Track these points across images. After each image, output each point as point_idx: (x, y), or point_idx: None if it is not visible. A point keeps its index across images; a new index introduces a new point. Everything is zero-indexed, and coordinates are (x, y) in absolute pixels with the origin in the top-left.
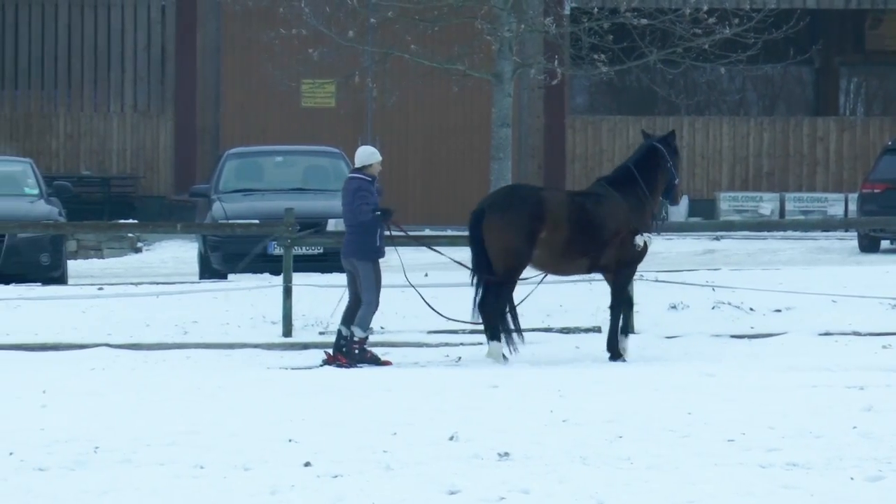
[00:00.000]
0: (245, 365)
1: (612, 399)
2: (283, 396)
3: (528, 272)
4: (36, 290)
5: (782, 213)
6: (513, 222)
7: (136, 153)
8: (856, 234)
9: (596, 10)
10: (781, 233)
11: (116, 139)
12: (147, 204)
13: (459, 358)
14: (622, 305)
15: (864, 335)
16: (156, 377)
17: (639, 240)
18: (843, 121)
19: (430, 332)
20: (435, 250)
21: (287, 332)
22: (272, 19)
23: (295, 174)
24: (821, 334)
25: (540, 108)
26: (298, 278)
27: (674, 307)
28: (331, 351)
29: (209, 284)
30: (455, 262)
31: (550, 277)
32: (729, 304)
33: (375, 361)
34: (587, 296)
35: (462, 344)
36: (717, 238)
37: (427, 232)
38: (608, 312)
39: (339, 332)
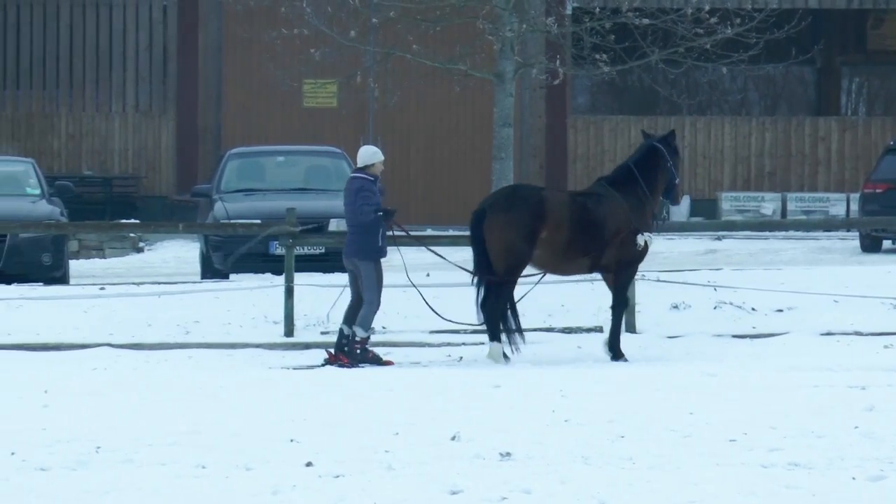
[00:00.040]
0: (247, 365)
1: (614, 399)
2: (284, 396)
3: (529, 271)
4: (38, 290)
5: (784, 213)
6: (514, 222)
7: (137, 153)
8: (857, 234)
9: (598, 9)
10: (783, 233)
11: (118, 139)
12: (149, 204)
13: (461, 357)
14: (623, 305)
15: (866, 335)
16: (157, 377)
17: (640, 240)
18: (844, 121)
19: (431, 332)
20: (433, 251)
21: (289, 331)
22: (274, 19)
23: (297, 174)
24: (822, 334)
25: (542, 108)
26: (300, 278)
27: (675, 307)
28: (332, 350)
29: (211, 284)
30: (451, 263)
31: (552, 277)
32: (731, 304)
33: (377, 361)
34: (589, 296)
35: (464, 344)
36: (718, 238)
37: (429, 232)
38: (609, 312)
39: (341, 331)
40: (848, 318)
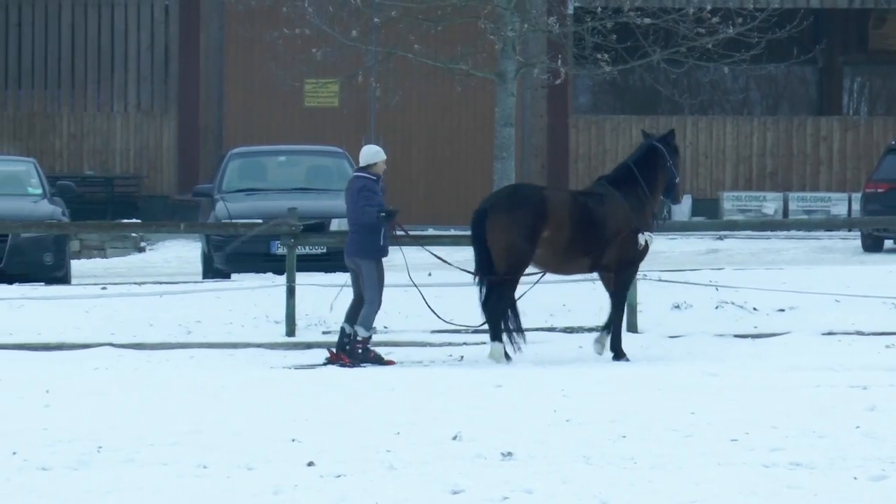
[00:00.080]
0: (248, 364)
1: (616, 399)
2: (286, 396)
3: (529, 270)
4: (39, 289)
5: (786, 212)
6: (516, 221)
7: (139, 153)
8: (859, 233)
9: (599, 9)
10: (785, 232)
11: (120, 139)
12: (150, 204)
13: (461, 357)
14: (624, 305)
15: (868, 335)
16: (159, 377)
17: (640, 239)
18: (846, 120)
19: (433, 332)
20: (433, 253)
21: (290, 331)
22: (275, 19)
23: (298, 174)
24: (824, 334)
25: (543, 107)
26: (302, 278)
27: (677, 307)
28: (334, 349)
29: (212, 284)
30: (449, 264)
31: (554, 277)
32: (732, 303)
33: (379, 361)
34: (590, 295)
35: (465, 343)
36: (720, 238)
37: (431, 231)
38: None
39: (343, 329)
40: (849, 318)
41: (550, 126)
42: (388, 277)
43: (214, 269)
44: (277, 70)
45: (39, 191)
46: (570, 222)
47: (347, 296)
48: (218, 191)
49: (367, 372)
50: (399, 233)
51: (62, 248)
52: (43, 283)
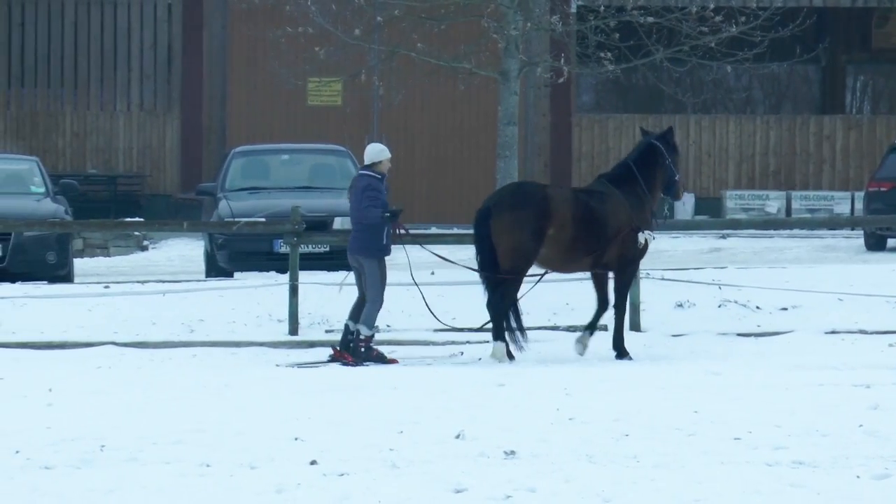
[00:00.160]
0: (251, 363)
1: (619, 397)
2: (289, 395)
3: (532, 269)
4: (42, 288)
5: (788, 211)
6: (521, 220)
7: (142, 151)
8: (862, 232)
9: (602, 8)
10: (788, 231)
11: (123, 137)
12: (153, 202)
13: (461, 353)
14: (626, 304)
15: (871, 333)
16: (162, 375)
17: (640, 238)
18: (849, 119)
19: (436, 331)
20: (435, 253)
21: (293, 330)
22: (279, 18)
23: (301, 172)
24: (827, 333)
25: (546, 106)
26: (305, 276)
27: (680, 305)
28: (338, 346)
29: (215, 283)
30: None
31: (557, 276)
32: (735, 302)
33: (381, 359)
34: (593, 294)
35: (468, 342)
36: (723, 236)
37: (433, 230)
38: (612, 311)
39: (346, 326)
40: (853, 317)
41: (553, 125)
42: (391, 276)
43: (217, 267)
44: (280, 69)
45: (42, 189)
46: (573, 220)
47: (352, 290)
48: (221, 189)
49: (370, 370)
50: (401, 232)
51: (65, 247)
52: (46, 282)
